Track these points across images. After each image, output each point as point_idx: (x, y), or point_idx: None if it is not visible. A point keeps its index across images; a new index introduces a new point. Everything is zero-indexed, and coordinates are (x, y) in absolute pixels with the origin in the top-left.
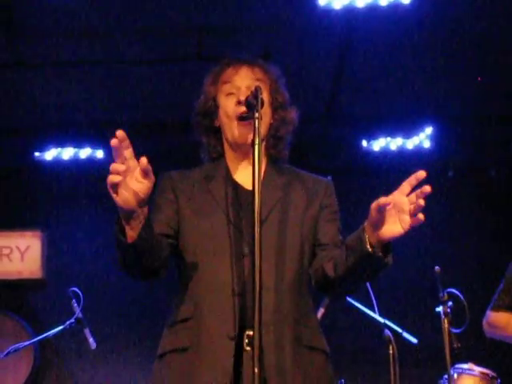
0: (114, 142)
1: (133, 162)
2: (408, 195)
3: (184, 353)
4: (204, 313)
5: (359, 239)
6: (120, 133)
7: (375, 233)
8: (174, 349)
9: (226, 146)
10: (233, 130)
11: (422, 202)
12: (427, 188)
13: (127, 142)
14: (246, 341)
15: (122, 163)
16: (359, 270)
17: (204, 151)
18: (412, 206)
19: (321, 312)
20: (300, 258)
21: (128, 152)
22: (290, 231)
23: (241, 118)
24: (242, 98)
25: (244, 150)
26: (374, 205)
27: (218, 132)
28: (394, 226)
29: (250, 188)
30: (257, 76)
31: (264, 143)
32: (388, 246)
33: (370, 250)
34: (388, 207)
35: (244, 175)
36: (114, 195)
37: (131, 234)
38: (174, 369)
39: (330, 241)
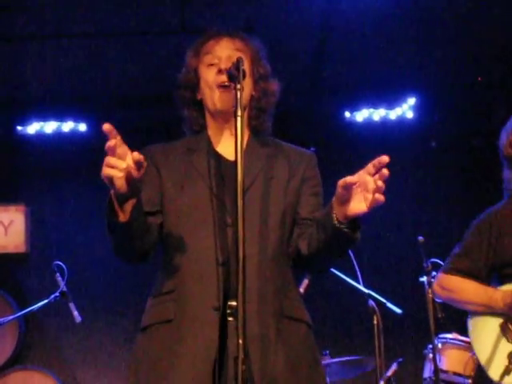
0: (110, 142)
1: (123, 149)
2: (373, 175)
3: (168, 324)
4: (188, 284)
5: (327, 215)
6: (107, 126)
7: (342, 209)
8: (158, 321)
9: (208, 117)
10: (214, 99)
11: (380, 183)
12: (385, 172)
13: (115, 131)
14: (229, 311)
15: (114, 155)
16: (329, 246)
17: (186, 124)
18: (375, 186)
19: (305, 283)
20: (282, 228)
21: (118, 140)
22: (272, 202)
23: (221, 87)
24: (223, 67)
25: (226, 120)
26: (340, 182)
27: (199, 104)
28: (359, 204)
29: (232, 159)
30: (237, 46)
31: (246, 115)
32: (356, 222)
33: (337, 225)
34: (354, 186)
35: (226, 146)
36: (107, 182)
37: (122, 215)
38: (158, 341)
39: (309, 215)
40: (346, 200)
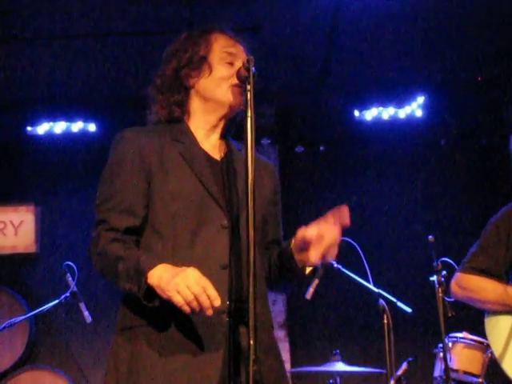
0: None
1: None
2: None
3: (169, 327)
4: None
5: (289, 254)
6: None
7: (298, 255)
8: (160, 322)
9: (196, 109)
10: (226, 92)
11: (335, 237)
12: (346, 221)
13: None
14: (236, 313)
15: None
16: (288, 279)
17: (163, 109)
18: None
19: (315, 283)
20: (263, 234)
21: None
22: (258, 209)
23: (236, 86)
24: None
25: (222, 117)
26: (300, 234)
27: (187, 91)
28: (312, 255)
29: (217, 158)
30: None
31: (224, 121)
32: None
33: (297, 266)
34: (312, 239)
35: (212, 145)
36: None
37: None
38: (157, 343)
39: (273, 237)
40: (303, 249)
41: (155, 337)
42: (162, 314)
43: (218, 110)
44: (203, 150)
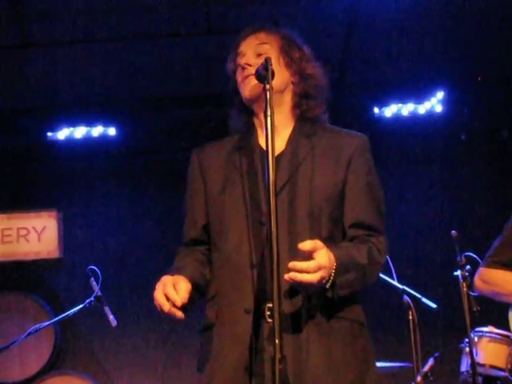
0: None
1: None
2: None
3: (212, 329)
4: (225, 288)
5: None
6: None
7: None
8: (205, 326)
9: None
10: (242, 92)
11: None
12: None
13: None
14: (269, 313)
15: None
16: None
17: (235, 120)
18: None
19: None
20: (313, 227)
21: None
22: (308, 198)
23: (245, 78)
24: (243, 62)
25: (258, 110)
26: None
27: (247, 107)
28: None
29: (278, 152)
30: (261, 40)
31: (290, 103)
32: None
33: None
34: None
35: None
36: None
37: None
38: (205, 346)
39: (353, 221)
40: None
41: (202, 339)
42: (208, 317)
43: (250, 106)
44: (261, 149)
